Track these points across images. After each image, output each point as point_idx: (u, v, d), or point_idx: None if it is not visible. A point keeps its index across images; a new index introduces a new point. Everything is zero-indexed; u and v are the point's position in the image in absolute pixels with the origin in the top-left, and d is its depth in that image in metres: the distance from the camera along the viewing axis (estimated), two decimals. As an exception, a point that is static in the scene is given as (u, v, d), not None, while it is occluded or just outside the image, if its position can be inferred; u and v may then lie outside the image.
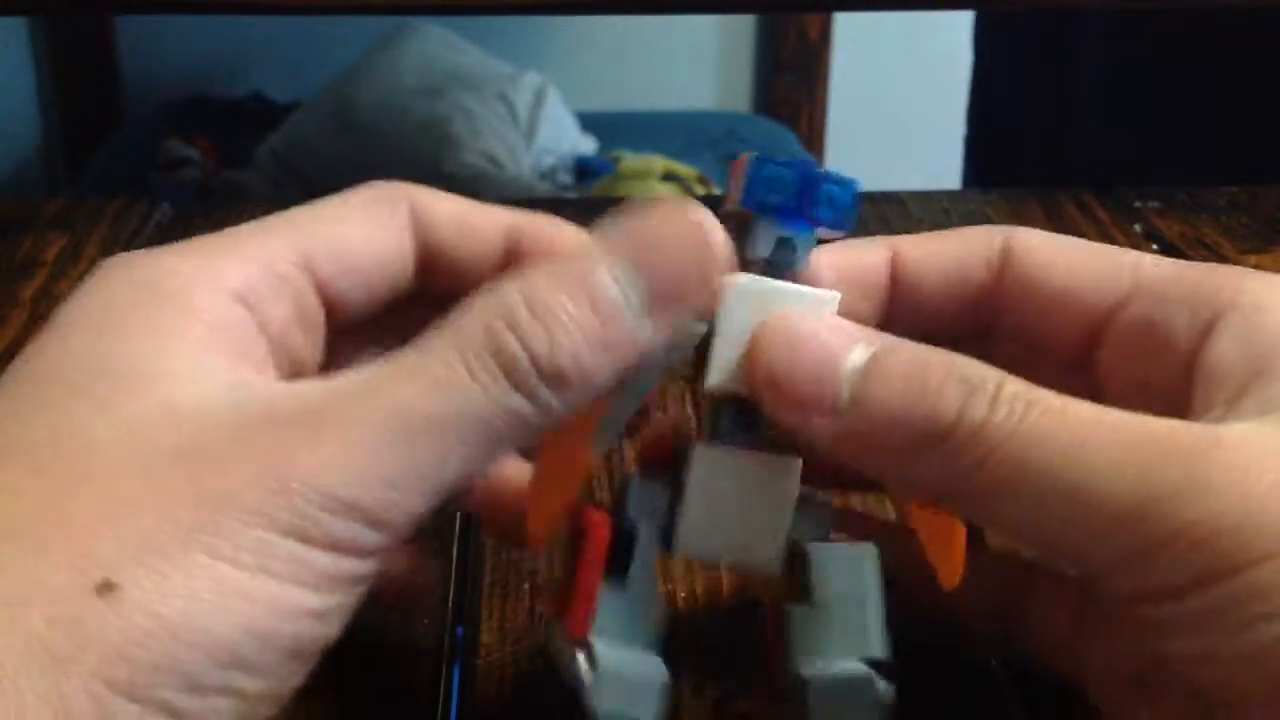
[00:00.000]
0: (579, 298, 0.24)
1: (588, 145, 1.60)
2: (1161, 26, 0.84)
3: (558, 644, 0.26)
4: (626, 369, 0.24)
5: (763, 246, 0.26)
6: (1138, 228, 0.58)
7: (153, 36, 1.74)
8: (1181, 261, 0.29)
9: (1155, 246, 0.56)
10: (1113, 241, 0.56)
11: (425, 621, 0.33)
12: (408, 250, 0.29)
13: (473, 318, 0.24)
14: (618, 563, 0.26)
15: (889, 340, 0.25)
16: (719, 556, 0.28)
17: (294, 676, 0.23)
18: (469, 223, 0.29)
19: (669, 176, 1.50)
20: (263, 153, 1.50)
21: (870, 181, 0.73)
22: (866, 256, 0.30)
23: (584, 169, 1.52)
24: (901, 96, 1.87)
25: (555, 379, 0.23)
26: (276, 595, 0.22)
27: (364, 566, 0.23)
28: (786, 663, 0.26)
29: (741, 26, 1.94)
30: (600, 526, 0.26)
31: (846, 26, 1.90)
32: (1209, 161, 0.82)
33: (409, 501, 0.23)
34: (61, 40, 1.77)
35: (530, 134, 1.52)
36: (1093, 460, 0.22)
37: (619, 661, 0.26)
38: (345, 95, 1.50)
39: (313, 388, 0.24)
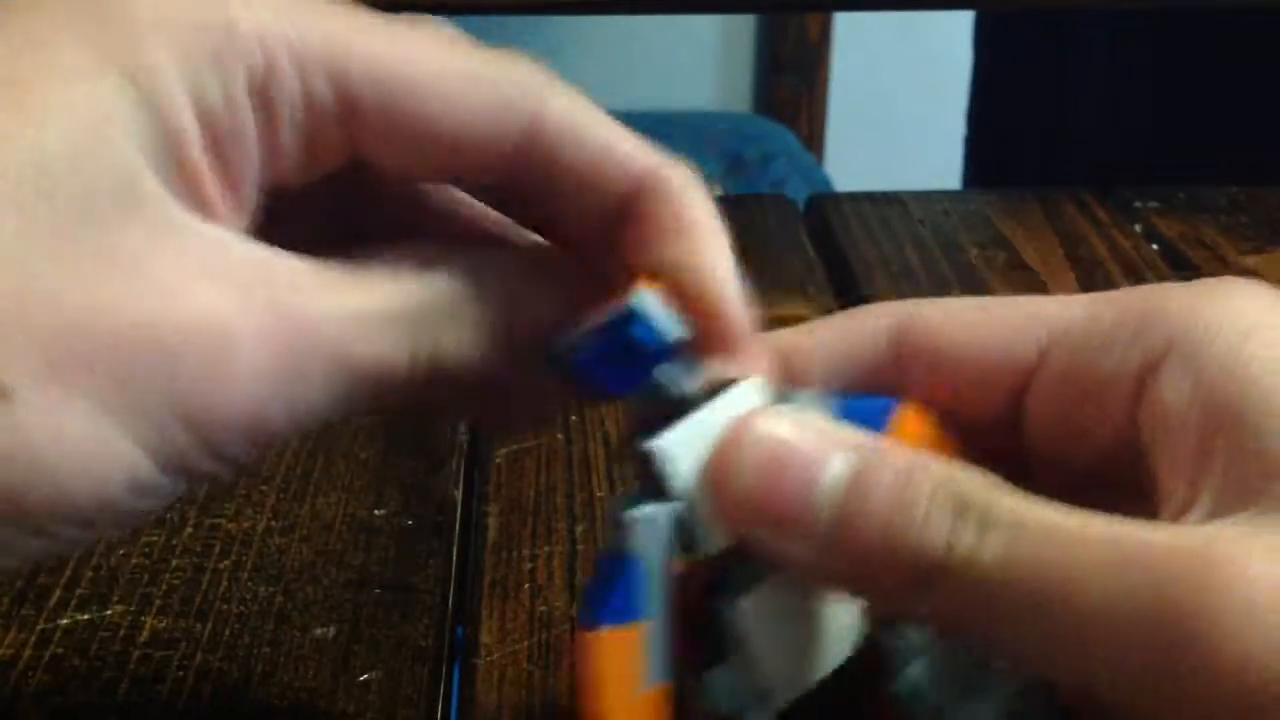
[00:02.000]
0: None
1: (588, 145, 1.59)
2: (1161, 26, 0.84)
3: None
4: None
5: (645, 407, 0.24)
6: (1138, 228, 0.58)
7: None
8: (1088, 296, 0.27)
9: (1155, 246, 0.56)
10: (1112, 242, 0.56)
11: (426, 626, 0.34)
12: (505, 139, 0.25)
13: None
14: None
15: (869, 447, 0.23)
16: (817, 678, 0.25)
17: None
18: (595, 165, 0.25)
19: (669, 176, 1.50)
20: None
21: (870, 181, 0.73)
22: (753, 362, 0.27)
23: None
24: (901, 96, 1.87)
25: None
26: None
27: None
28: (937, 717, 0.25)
29: (741, 26, 1.94)
30: None
31: (846, 26, 1.90)
32: (1209, 161, 0.82)
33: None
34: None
35: (530, 134, 1.52)
36: (1088, 584, 0.21)
37: None
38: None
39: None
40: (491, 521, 0.38)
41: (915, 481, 0.22)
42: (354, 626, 0.33)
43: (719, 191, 1.58)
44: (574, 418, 0.42)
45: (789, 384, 0.26)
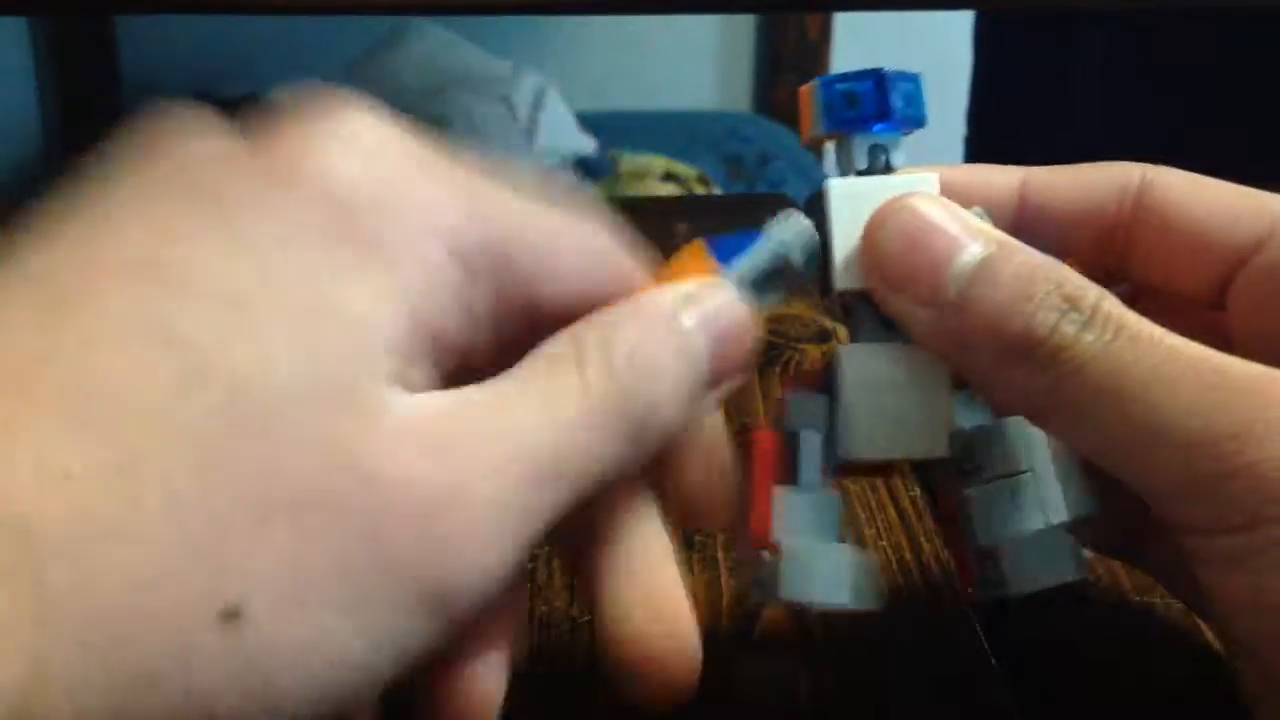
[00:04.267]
0: (678, 355, 0.24)
1: (588, 145, 1.60)
2: (1161, 27, 0.84)
3: (751, 567, 0.27)
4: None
5: (859, 158, 0.27)
6: (1138, 228, 0.58)
7: (153, 36, 1.74)
8: None
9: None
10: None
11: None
12: None
13: (597, 371, 0.23)
14: (787, 469, 0.27)
15: (1007, 243, 0.25)
16: (885, 454, 0.28)
17: None
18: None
19: (669, 176, 1.50)
20: (263, 153, 1.50)
21: (870, 181, 0.72)
22: (995, 178, 0.30)
23: (584, 169, 1.52)
24: (901, 96, 1.87)
25: (662, 432, 0.24)
26: None
27: None
28: (974, 540, 0.27)
29: (741, 26, 1.94)
30: (765, 440, 0.27)
31: (846, 26, 1.90)
32: (1209, 161, 0.82)
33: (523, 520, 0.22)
34: (61, 40, 1.77)
35: (530, 134, 1.52)
36: (1167, 392, 0.23)
37: (804, 550, 0.26)
38: (345, 95, 1.50)
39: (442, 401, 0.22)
40: (492, 521, 0.38)
41: (1037, 276, 0.24)
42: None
43: (719, 191, 1.58)
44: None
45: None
